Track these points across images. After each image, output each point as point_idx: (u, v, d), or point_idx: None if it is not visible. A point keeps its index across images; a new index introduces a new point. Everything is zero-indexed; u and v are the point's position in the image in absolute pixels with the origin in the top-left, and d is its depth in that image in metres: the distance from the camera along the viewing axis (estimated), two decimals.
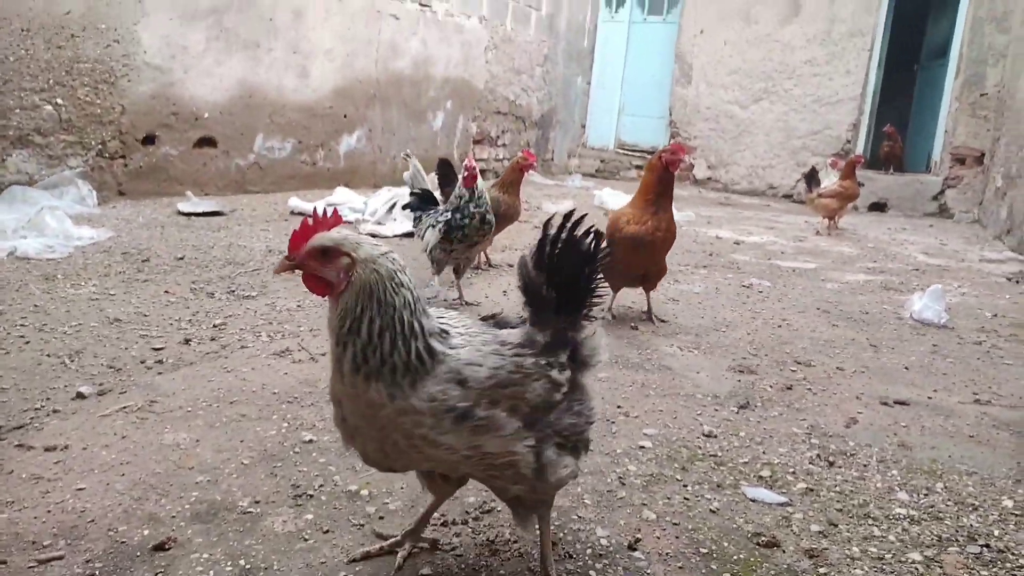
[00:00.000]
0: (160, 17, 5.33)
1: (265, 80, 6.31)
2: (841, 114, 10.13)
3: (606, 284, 1.30)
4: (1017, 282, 5.22)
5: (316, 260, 1.30)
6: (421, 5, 7.93)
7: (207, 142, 5.95)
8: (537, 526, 1.46)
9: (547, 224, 1.41)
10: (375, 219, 5.43)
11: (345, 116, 7.23)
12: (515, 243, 5.32)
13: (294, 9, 6.42)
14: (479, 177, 3.57)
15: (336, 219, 1.36)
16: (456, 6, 8.50)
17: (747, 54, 10.58)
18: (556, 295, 1.40)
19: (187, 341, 2.74)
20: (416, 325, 1.31)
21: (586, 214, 1.45)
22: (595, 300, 1.46)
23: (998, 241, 7.50)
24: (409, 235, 5.30)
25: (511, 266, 4.59)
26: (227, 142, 6.09)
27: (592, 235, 1.42)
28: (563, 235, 1.39)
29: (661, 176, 3.17)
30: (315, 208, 1.47)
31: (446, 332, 1.37)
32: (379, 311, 1.28)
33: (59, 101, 4.85)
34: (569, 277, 1.41)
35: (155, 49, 5.34)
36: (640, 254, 3.23)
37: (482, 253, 4.55)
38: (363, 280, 1.29)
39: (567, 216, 1.41)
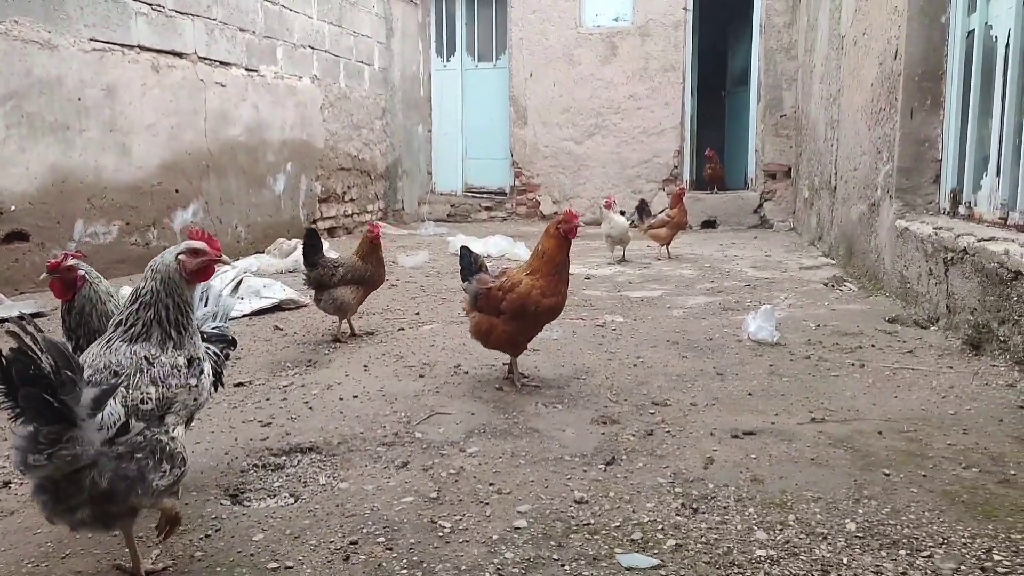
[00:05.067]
0: None
1: (80, 162, 5.85)
2: (666, 142, 10.92)
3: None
4: (832, 287, 5.80)
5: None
6: (248, 70, 7.71)
7: (17, 236, 5.41)
8: None
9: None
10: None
11: (177, 191, 6.85)
12: (390, 306, 5.23)
13: (105, 87, 6.03)
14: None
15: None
16: (286, 68, 8.36)
17: (575, 93, 11.17)
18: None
19: (6, 484, 2.43)
20: None
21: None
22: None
23: (812, 247, 8.33)
24: (259, 313, 5.07)
25: (371, 334, 4.50)
26: (41, 233, 5.57)
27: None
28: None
29: (561, 245, 3.26)
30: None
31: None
32: None
33: None
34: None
35: None
36: (546, 322, 3.39)
37: (346, 323, 4.42)
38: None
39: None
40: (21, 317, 1.60)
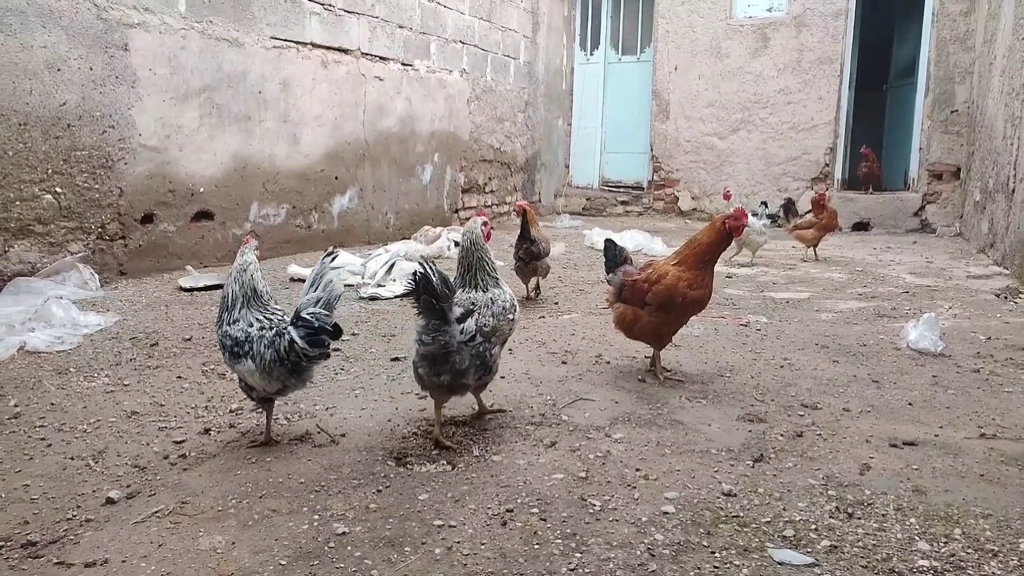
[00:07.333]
0: (153, 100, 5.46)
1: (258, 150, 6.43)
2: (818, 139, 10.38)
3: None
4: (1006, 298, 5.34)
5: None
6: (403, 65, 8.13)
7: (204, 215, 6.04)
8: None
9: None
10: (375, 281, 5.51)
11: (336, 178, 7.36)
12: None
13: (281, 81, 6.57)
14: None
15: None
16: (438, 63, 8.72)
17: (721, 87, 10.86)
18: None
19: (207, 431, 2.78)
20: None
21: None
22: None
23: (982, 255, 7.66)
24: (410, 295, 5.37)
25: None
26: (224, 214, 6.19)
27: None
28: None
29: (721, 241, 3.28)
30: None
31: None
32: None
33: (58, 189, 4.93)
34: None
35: (150, 131, 5.46)
36: (692, 314, 3.41)
37: (533, 282, 5.37)
38: None
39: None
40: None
